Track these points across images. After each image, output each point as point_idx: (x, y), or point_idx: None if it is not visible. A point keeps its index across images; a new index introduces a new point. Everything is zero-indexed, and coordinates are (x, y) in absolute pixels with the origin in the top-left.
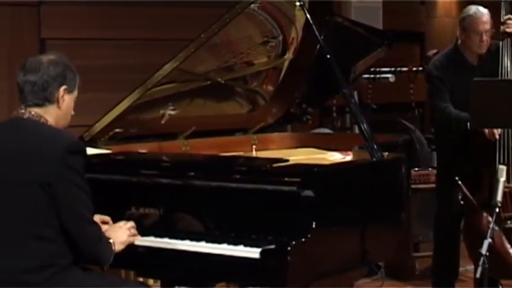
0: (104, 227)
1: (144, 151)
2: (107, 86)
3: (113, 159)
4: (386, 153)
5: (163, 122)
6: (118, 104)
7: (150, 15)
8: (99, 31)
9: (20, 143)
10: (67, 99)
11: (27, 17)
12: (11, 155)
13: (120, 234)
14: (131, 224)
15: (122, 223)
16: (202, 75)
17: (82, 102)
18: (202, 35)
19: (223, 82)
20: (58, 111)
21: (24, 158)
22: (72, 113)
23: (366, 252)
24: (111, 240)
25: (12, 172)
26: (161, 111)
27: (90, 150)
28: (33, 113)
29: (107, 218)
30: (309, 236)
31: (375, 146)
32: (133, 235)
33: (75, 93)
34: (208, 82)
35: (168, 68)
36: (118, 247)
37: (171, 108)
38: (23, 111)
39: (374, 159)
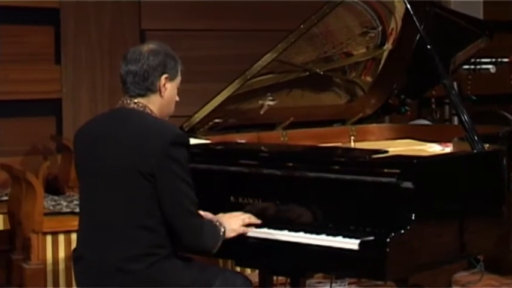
0: (208, 215)
1: (242, 141)
2: (206, 76)
3: (212, 149)
4: (487, 145)
5: (262, 112)
6: (217, 94)
7: (249, 5)
8: (198, 22)
9: (126, 132)
10: (169, 88)
11: (128, 8)
12: (117, 144)
13: (233, 222)
14: (248, 215)
15: (238, 213)
16: (301, 66)
17: (182, 93)
18: (302, 26)
19: (321, 73)
20: (161, 100)
21: (130, 147)
22: (177, 99)
23: (465, 245)
24: (222, 227)
25: (119, 161)
26: (260, 102)
27: (190, 140)
28: (137, 103)
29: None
30: (408, 228)
31: (476, 138)
32: (247, 226)
33: (178, 80)
34: (307, 73)
35: (267, 58)
36: (229, 234)
37: (270, 98)
38: (127, 101)
39: (475, 151)
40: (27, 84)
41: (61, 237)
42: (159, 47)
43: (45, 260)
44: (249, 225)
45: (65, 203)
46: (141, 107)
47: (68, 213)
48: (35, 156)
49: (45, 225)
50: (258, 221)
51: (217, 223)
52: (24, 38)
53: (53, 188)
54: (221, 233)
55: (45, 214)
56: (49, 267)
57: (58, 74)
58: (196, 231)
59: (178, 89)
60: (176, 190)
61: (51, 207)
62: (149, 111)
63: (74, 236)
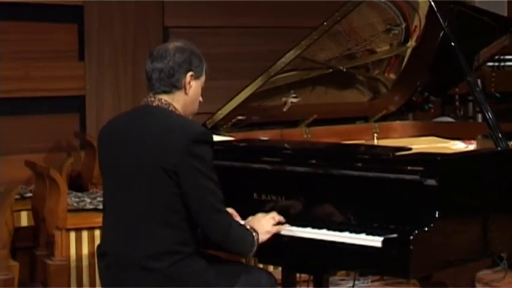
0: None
1: (265, 138)
2: (230, 73)
3: (236, 146)
4: (511, 142)
5: (285, 109)
6: (241, 91)
7: (270, 3)
8: (222, 19)
9: (150, 130)
10: (194, 86)
11: (151, 6)
12: (141, 141)
13: (264, 223)
14: (273, 213)
15: (262, 214)
16: (324, 63)
17: (205, 90)
18: (325, 23)
19: (345, 70)
20: (185, 98)
21: (153, 145)
22: (201, 99)
23: (488, 243)
24: (254, 232)
25: (142, 159)
26: (283, 99)
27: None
28: (162, 100)
29: (230, 210)
30: (431, 225)
31: (500, 135)
32: (278, 224)
33: (203, 79)
34: (330, 70)
35: (290, 55)
36: (262, 237)
37: (293, 95)
38: (152, 98)
39: (499, 149)
40: (51, 81)
41: (84, 234)
42: (185, 45)
43: (68, 256)
44: (278, 223)
45: (88, 200)
46: (165, 104)
47: (91, 209)
48: (58, 153)
49: (68, 222)
50: (283, 219)
51: (249, 227)
52: (48, 35)
53: (77, 184)
54: (255, 239)
55: (69, 211)
56: (73, 264)
57: (82, 71)
58: (224, 228)
59: (202, 88)
60: (201, 187)
61: (74, 204)
62: (173, 109)
63: (97, 233)
